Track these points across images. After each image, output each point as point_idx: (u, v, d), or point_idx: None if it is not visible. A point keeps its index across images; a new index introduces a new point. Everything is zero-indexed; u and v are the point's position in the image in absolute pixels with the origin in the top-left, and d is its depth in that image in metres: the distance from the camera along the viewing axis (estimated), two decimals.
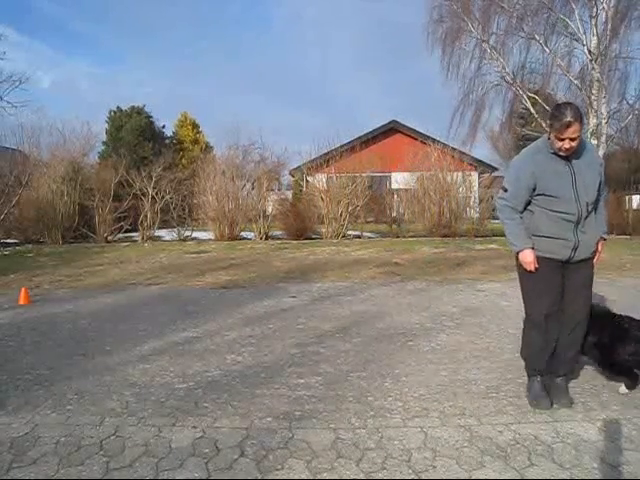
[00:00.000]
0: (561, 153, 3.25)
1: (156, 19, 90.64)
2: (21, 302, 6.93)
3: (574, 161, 3.29)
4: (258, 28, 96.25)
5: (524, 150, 3.57)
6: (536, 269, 3.37)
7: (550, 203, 3.31)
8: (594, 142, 19.03)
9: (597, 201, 3.39)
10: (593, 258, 3.46)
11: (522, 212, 3.44)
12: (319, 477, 2.59)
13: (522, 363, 3.78)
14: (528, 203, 3.41)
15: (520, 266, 3.50)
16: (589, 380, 3.79)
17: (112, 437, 3.03)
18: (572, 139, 3.16)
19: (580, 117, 3.18)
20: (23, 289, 7.11)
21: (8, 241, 16.47)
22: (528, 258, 3.36)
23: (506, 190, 3.46)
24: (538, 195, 3.33)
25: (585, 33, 19.08)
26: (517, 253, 3.43)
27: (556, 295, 3.44)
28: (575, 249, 3.33)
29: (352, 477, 2.59)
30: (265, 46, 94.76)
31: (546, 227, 3.35)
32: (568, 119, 3.12)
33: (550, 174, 3.29)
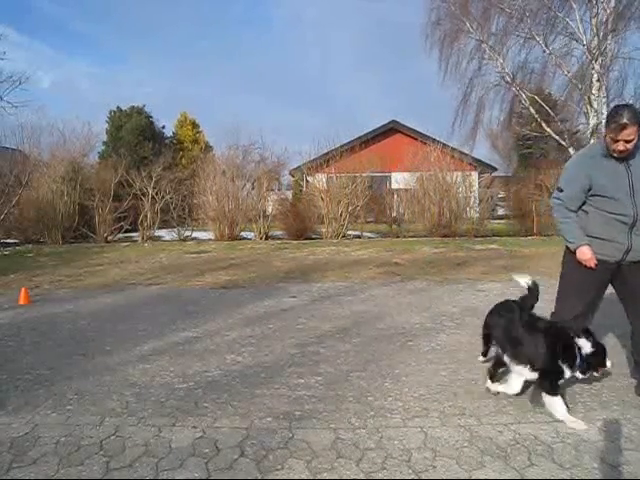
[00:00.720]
0: (615, 154, 3.23)
1: (156, 19, 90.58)
2: (21, 302, 6.93)
3: (632, 162, 3.25)
4: (258, 28, 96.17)
5: (580, 151, 3.61)
6: (585, 267, 3.38)
7: (605, 204, 3.30)
8: (594, 142, 19.02)
9: None
10: None
11: (577, 211, 3.45)
12: (319, 477, 2.59)
13: None
14: (583, 203, 3.41)
15: (567, 263, 3.53)
16: (589, 380, 3.78)
17: (112, 437, 3.03)
18: (627, 141, 3.15)
19: (637, 120, 3.14)
20: (23, 289, 7.11)
21: (8, 241, 16.49)
22: (587, 254, 3.36)
23: (561, 190, 3.49)
24: (593, 196, 3.33)
25: (585, 33, 19.07)
26: (574, 250, 3.41)
27: (591, 298, 3.45)
28: (627, 252, 3.31)
29: (352, 477, 2.59)
30: (265, 46, 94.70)
31: (599, 228, 3.34)
32: (624, 121, 3.12)
33: (606, 175, 3.28)
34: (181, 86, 75.52)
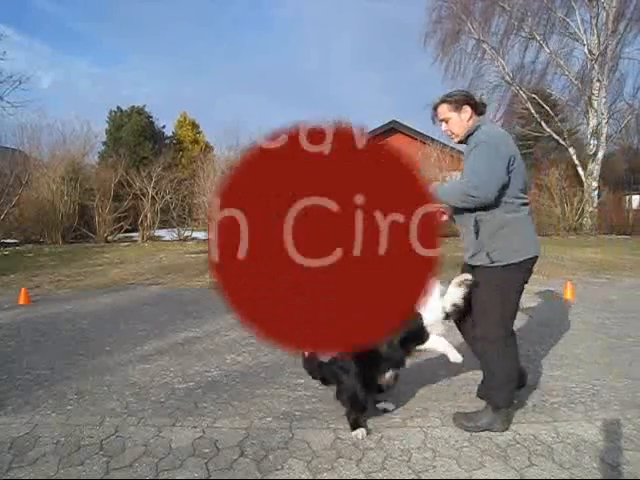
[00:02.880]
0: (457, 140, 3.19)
1: (156, 18, 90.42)
2: (21, 302, 6.92)
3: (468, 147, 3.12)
4: (259, 28, 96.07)
5: None
6: None
7: None
8: (594, 142, 19.05)
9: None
10: (481, 268, 3.00)
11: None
12: (319, 477, 2.59)
13: (522, 363, 3.82)
14: None
15: None
16: (589, 380, 3.79)
17: (112, 437, 3.03)
18: (442, 120, 3.15)
19: (445, 99, 3.11)
20: (23, 289, 7.11)
21: (8, 241, 16.49)
22: None
23: None
24: None
25: (585, 33, 19.11)
26: None
27: None
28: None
29: (352, 477, 2.59)
30: (266, 46, 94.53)
31: None
32: (435, 102, 3.14)
33: None
34: (181, 86, 75.28)
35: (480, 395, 3.20)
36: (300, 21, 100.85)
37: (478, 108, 3.12)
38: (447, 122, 3.13)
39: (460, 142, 3.17)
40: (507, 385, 3.01)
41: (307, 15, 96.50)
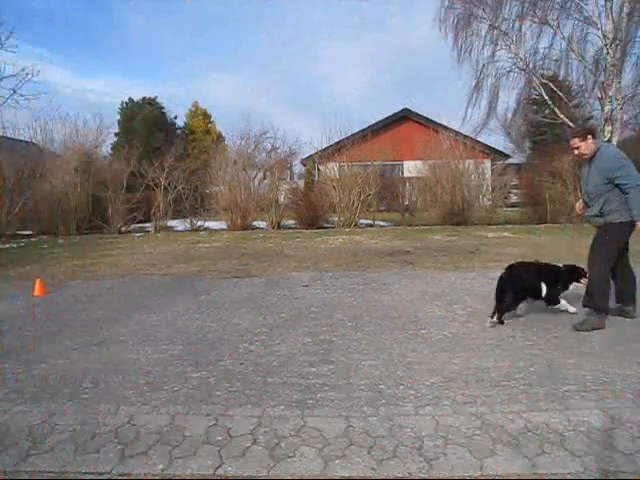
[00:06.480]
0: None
1: (158, 22, 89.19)
2: (36, 293, 7.01)
3: (592, 163, 4.82)
4: (268, 27, 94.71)
5: None
6: None
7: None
8: (608, 128, 18.74)
9: (601, 190, 4.74)
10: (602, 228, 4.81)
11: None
12: (331, 464, 2.62)
13: (533, 351, 3.81)
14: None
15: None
16: (601, 368, 3.77)
17: (127, 425, 3.08)
18: (573, 149, 4.89)
19: (575, 135, 4.89)
20: (38, 280, 7.20)
21: (23, 232, 16.70)
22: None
23: None
24: None
25: (600, 17, 18.76)
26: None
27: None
28: (588, 220, 5.03)
29: (363, 464, 2.61)
30: (277, 47, 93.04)
31: None
32: (567, 137, 5.40)
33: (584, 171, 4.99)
34: (189, 85, 74.61)
35: (584, 304, 4.90)
36: (308, 21, 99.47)
37: (595, 135, 4.90)
38: (578, 148, 4.81)
39: (587, 158, 4.86)
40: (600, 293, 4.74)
41: (314, 16, 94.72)
